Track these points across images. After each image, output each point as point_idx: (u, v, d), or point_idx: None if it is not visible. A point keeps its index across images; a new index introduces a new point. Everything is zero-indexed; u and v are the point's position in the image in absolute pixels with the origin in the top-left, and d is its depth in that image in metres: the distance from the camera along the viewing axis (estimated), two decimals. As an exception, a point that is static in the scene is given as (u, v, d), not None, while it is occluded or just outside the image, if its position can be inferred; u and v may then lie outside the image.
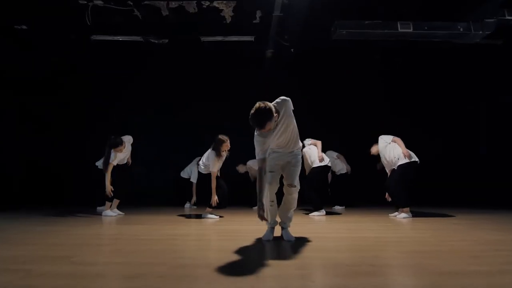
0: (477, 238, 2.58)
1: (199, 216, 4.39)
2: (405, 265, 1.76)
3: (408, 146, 4.43)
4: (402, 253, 2.06)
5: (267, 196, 2.47)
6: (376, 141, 4.70)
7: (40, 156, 7.10)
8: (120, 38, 6.73)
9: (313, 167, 4.78)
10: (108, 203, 4.42)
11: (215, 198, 4.08)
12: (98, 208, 5.00)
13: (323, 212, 4.64)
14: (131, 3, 5.78)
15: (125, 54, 6.96)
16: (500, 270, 1.62)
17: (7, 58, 6.69)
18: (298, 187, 2.49)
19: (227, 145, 4.12)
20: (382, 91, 7.37)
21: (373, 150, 4.81)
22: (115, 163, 4.42)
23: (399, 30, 5.44)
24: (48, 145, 7.17)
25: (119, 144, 4.30)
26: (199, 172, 4.37)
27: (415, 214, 4.34)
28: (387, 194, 4.51)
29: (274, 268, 1.67)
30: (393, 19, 5.47)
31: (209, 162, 4.09)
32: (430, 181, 6.84)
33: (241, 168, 6.28)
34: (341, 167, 5.95)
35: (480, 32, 5.58)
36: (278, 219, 2.61)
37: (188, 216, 4.53)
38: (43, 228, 3.18)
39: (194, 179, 5.89)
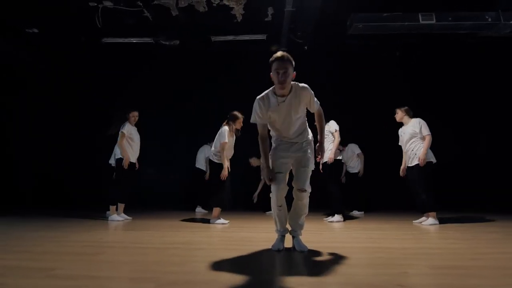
0: (523, 251, 2.21)
1: (206, 221, 4.15)
2: (442, 285, 1.44)
3: (433, 146, 4.04)
4: (436, 269, 1.73)
5: (275, 200, 2.20)
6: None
7: (46, 158, 7.13)
8: (131, 40, 6.67)
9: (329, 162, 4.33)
10: (112, 207, 4.25)
11: (226, 173, 3.93)
12: (108, 213, 4.87)
13: (341, 217, 4.26)
14: (141, 4, 5.68)
15: (134, 55, 6.89)
16: None
17: (14, 60, 6.79)
18: (309, 190, 2.22)
19: (240, 122, 4.05)
20: (403, 90, 6.92)
21: (398, 116, 4.27)
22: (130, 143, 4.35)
23: (421, 22, 5.07)
24: (53, 147, 7.18)
25: (127, 113, 4.33)
26: (211, 162, 4.15)
27: (443, 221, 3.94)
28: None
29: None
30: (414, 10, 5.11)
31: (222, 135, 3.97)
32: (457, 183, 6.37)
33: (254, 162, 6.02)
34: (354, 164, 5.59)
35: (511, 22, 5.13)
36: (289, 227, 2.33)
37: (196, 221, 4.30)
38: (38, 233, 3.00)
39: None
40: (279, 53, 2.14)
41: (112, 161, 5.14)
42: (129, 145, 4.33)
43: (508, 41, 5.89)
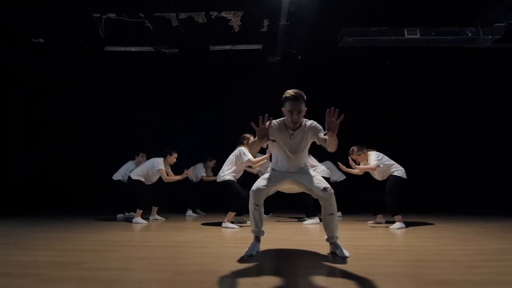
0: (481, 247, 2.57)
1: (205, 223, 4.46)
2: (400, 273, 1.79)
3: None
4: (402, 261, 2.09)
5: (252, 198, 2.20)
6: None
7: (51, 162, 7.44)
8: (132, 49, 6.97)
9: None
10: (139, 211, 4.49)
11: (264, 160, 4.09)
12: (118, 216, 5.11)
13: (316, 220, 4.43)
14: (142, 15, 5.99)
15: (135, 64, 7.20)
16: (497, 281, 1.64)
17: (19, 66, 7.08)
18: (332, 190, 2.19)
19: (251, 139, 4.26)
20: (391, 98, 7.32)
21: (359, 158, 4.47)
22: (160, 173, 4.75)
23: (406, 36, 5.44)
24: (59, 151, 7.49)
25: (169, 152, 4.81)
26: (219, 183, 4.30)
27: (421, 223, 4.31)
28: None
29: (271, 274, 1.73)
30: (400, 25, 5.48)
31: (244, 153, 4.17)
32: (447, 187, 6.76)
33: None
34: (337, 176, 5.61)
35: (490, 36, 5.52)
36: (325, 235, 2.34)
37: (196, 223, 4.60)
38: (53, 234, 3.29)
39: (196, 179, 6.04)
40: (292, 92, 2.11)
41: (118, 177, 5.33)
42: (151, 177, 4.79)
43: (489, 52, 6.28)
